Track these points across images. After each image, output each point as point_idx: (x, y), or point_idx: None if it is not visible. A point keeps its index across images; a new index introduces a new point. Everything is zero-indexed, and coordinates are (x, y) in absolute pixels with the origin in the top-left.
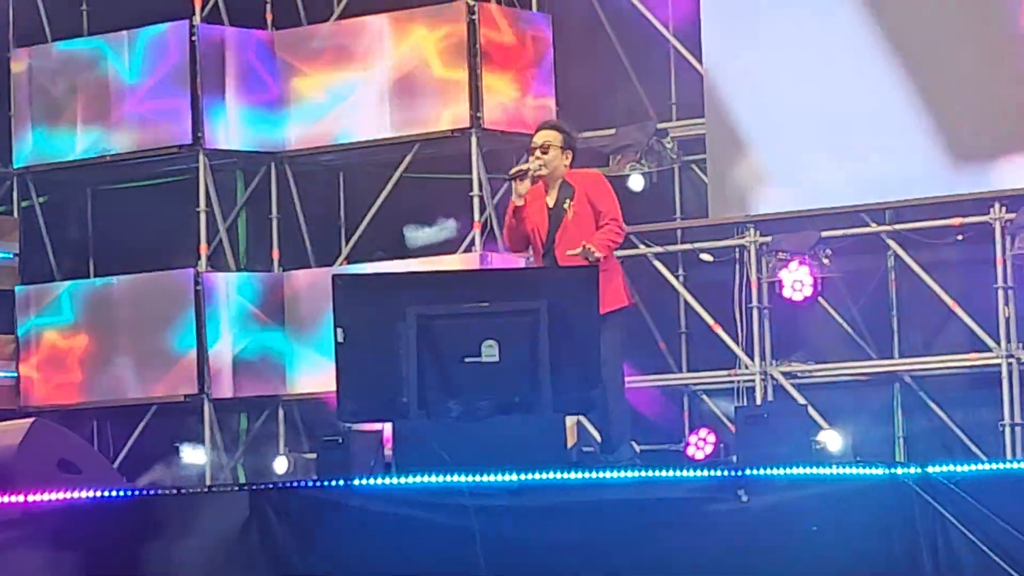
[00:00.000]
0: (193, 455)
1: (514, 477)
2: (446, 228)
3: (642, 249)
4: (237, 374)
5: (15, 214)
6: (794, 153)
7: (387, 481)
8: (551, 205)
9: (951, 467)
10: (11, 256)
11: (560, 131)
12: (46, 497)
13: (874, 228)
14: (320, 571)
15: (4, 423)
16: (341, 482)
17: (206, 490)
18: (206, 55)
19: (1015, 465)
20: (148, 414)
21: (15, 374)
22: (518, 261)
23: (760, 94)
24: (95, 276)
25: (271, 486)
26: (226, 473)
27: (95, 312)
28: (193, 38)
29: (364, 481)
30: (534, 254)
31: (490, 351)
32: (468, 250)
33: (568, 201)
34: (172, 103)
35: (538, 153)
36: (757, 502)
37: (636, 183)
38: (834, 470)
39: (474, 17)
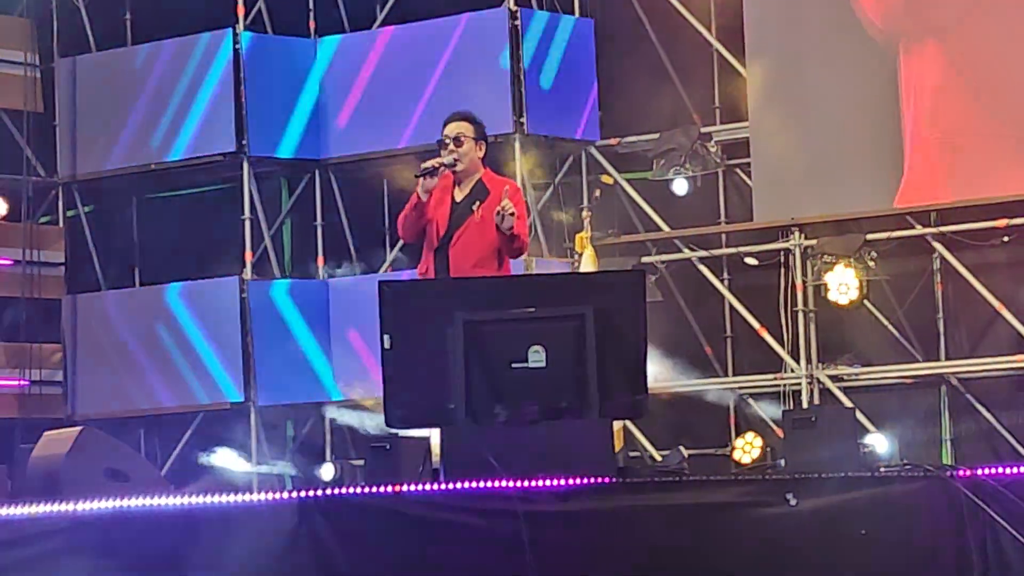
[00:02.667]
0: (239, 463)
1: (562, 482)
2: None
3: (687, 253)
4: (283, 381)
5: (61, 223)
6: (838, 156)
7: (435, 487)
8: (457, 200)
9: (999, 469)
10: (57, 265)
11: (472, 122)
12: (94, 505)
13: (919, 230)
14: None
15: (52, 432)
16: (389, 488)
17: (254, 498)
18: (249, 63)
19: None
20: (195, 421)
21: (63, 383)
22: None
23: (804, 97)
24: (141, 285)
25: (320, 493)
26: (273, 480)
27: (141, 320)
28: (236, 46)
29: (412, 487)
30: (426, 246)
31: (537, 356)
32: None
33: (479, 203)
34: (216, 111)
35: (452, 146)
36: (806, 506)
37: (680, 187)
38: (882, 473)
39: (516, 23)
